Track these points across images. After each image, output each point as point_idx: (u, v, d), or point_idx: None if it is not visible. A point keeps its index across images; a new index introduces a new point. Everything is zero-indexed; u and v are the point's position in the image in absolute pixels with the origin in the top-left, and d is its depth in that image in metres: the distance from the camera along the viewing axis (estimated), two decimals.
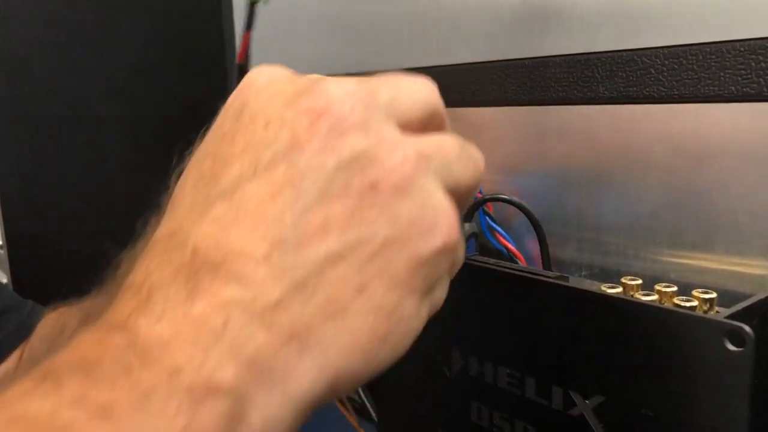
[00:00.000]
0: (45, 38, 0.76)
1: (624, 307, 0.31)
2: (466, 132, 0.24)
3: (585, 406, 0.32)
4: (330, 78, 0.23)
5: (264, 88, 0.23)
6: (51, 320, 0.59)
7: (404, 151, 0.22)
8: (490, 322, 0.37)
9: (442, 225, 0.22)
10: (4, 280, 0.85)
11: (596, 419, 0.32)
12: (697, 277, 0.36)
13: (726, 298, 0.34)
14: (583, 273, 0.40)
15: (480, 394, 0.38)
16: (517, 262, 0.41)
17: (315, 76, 0.24)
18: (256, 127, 0.22)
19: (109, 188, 0.81)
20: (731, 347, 0.27)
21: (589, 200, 0.39)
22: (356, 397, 0.46)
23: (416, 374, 0.41)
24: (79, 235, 0.79)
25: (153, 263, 0.21)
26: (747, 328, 0.27)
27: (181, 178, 0.24)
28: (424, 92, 0.24)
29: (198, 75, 0.84)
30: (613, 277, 0.38)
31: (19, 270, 0.82)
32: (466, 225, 0.39)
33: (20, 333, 0.59)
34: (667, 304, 0.31)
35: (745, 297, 0.33)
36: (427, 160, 0.22)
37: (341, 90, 0.22)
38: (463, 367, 0.38)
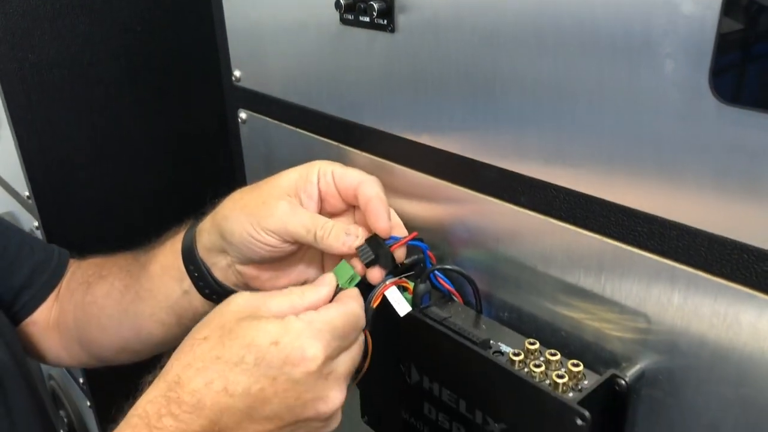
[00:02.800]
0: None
1: (509, 377, 0.47)
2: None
3: (495, 428, 0.50)
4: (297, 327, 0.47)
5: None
6: (76, 275, 0.74)
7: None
8: (432, 359, 0.53)
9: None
10: (36, 223, 0.98)
11: None
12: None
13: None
14: (505, 314, 0.56)
15: (429, 400, 0.55)
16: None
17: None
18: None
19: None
20: (579, 422, 0.44)
21: (512, 270, 0.54)
22: None
23: (391, 377, 0.58)
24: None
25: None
26: (587, 414, 0.43)
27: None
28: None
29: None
30: (525, 319, 0.54)
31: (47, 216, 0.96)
32: (422, 285, 0.54)
33: (52, 282, 0.72)
34: (542, 382, 0.47)
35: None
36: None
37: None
38: (419, 381, 0.56)
